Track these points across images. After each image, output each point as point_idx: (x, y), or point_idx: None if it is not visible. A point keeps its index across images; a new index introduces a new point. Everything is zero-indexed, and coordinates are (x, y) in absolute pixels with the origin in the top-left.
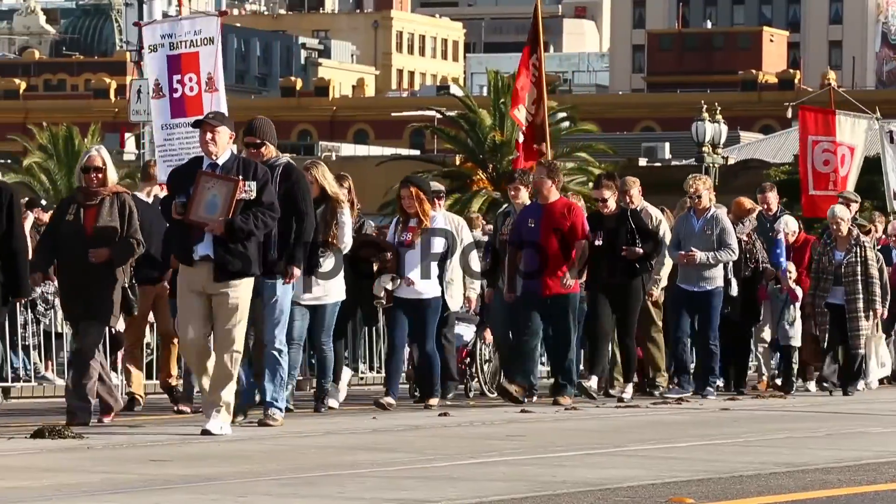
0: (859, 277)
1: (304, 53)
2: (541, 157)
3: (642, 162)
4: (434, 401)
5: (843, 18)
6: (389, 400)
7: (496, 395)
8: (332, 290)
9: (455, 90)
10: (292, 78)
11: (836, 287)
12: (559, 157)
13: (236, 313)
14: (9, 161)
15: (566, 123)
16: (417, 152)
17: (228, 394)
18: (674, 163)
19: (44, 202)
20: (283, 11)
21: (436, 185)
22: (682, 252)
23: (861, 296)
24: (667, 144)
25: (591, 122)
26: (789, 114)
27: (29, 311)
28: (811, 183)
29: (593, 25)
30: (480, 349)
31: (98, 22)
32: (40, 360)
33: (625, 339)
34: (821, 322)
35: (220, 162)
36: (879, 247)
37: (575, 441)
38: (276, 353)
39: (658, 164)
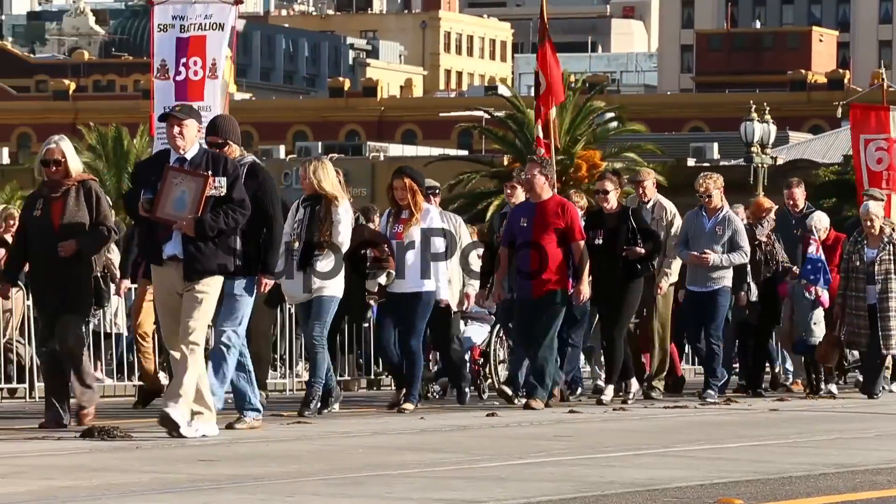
0: (893, 276)
1: (352, 54)
2: (547, 151)
3: (691, 162)
4: (409, 406)
5: (894, 18)
6: (408, 406)
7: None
8: (329, 284)
9: (503, 90)
10: (340, 78)
11: (870, 286)
12: (607, 158)
13: (199, 307)
14: None
15: (614, 124)
16: (465, 153)
17: (189, 383)
18: (722, 163)
19: None
20: (331, 12)
21: (430, 182)
22: (696, 253)
23: (894, 294)
24: (715, 145)
25: (640, 122)
26: (839, 113)
27: None
28: (866, 182)
29: (641, 25)
30: (495, 349)
31: (147, 23)
32: (90, 361)
33: (611, 332)
34: (849, 322)
35: (189, 156)
36: None
37: (623, 441)
38: (223, 347)
39: (707, 165)
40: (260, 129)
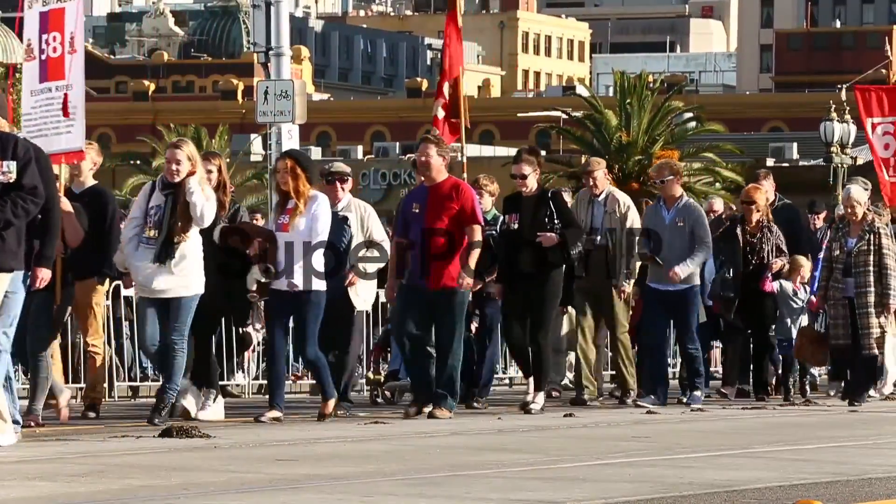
0: (871, 268)
1: (430, 54)
2: (460, 131)
3: (770, 162)
4: (330, 404)
5: None
6: (274, 414)
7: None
8: (186, 281)
9: (581, 91)
10: (418, 79)
11: (848, 278)
12: (685, 158)
13: None
14: (138, 162)
15: (693, 124)
16: (543, 153)
17: None
18: (802, 163)
19: None
20: (409, 12)
21: (340, 167)
22: (665, 269)
23: (872, 289)
24: (795, 145)
25: (718, 122)
26: (843, 96)
27: None
28: (885, 170)
29: (720, 25)
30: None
31: (226, 24)
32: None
33: (536, 338)
34: (831, 315)
35: None
36: None
37: (701, 442)
38: None
39: (786, 165)
40: (338, 129)
